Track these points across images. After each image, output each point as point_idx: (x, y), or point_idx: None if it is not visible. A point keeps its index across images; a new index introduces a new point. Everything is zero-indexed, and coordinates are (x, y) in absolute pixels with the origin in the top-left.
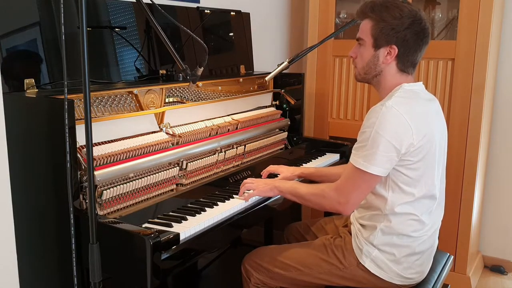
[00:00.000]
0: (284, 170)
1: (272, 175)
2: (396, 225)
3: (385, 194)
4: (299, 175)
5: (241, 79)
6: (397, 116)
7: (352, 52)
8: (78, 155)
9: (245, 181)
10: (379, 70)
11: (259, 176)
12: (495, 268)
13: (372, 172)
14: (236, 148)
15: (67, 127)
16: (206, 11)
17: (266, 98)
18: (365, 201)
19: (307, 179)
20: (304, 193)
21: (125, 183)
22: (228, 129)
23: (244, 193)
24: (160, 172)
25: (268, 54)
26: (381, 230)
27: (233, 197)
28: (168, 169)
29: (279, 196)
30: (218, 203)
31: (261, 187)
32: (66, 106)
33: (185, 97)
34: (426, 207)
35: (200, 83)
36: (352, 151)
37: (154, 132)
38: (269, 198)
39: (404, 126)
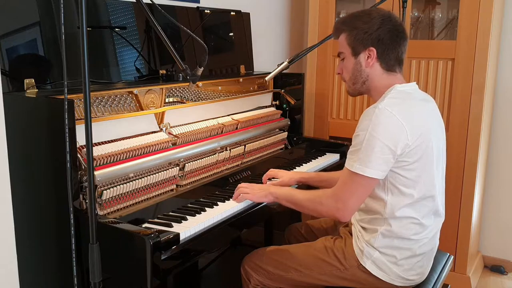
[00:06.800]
0: (283, 174)
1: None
2: (396, 229)
3: (384, 197)
4: (299, 180)
5: (241, 79)
6: (390, 117)
7: (338, 69)
8: (78, 155)
9: (240, 185)
10: (365, 75)
11: (259, 177)
12: (495, 268)
13: (369, 175)
14: (236, 148)
15: (67, 127)
16: (206, 11)
17: (266, 98)
18: (365, 205)
19: (306, 184)
20: (301, 199)
21: (125, 183)
22: (228, 129)
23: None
24: (160, 172)
25: (268, 54)
26: (382, 234)
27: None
28: (168, 169)
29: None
30: (218, 203)
31: (256, 192)
32: (66, 106)
33: (185, 97)
34: (427, 209)
35: (200, 83)
36: (347, 155)
37: (154, 132)
38: None
39: (398, 127)
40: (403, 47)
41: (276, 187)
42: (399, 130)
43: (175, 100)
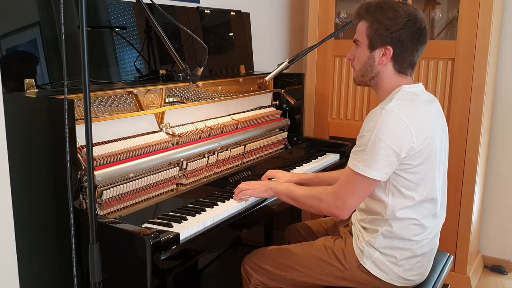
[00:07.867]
0: (281, 175)
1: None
2: (397, 230)
3: (385, 198)
4: (297, 181)
5: (241, 79)
6: (397, 120)
7: (349, 55)
8: (78, 155)
9: (239, 185)
10: (376, 71)
11: (259, 177)
12: (495, 268)
13: (372, 177)
14: (236, 148)
15: (67, 127)
16: (206, 11)
17: (266, 98)
18: (365, 206)
19: (305, 185)
20: (300, 195)
21: (125, 183)
22: (228, 129)
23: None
24: (160, 172)
25: (268, 54)
26: (382, 234)
27: (233, 197)
28: (168, 169)
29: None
30: (218, 203)
31: (256, 188)
32: (66, 106)
33: (185, 97)
34: (427, 211)
35: (200, 83)
36: (351, 154)
37: (154, 132)
38: (268, 198)
39: (404, 130)
40: (420, 51)
41: (276, 182)
42: (405, 133)
43: (175, 100)
